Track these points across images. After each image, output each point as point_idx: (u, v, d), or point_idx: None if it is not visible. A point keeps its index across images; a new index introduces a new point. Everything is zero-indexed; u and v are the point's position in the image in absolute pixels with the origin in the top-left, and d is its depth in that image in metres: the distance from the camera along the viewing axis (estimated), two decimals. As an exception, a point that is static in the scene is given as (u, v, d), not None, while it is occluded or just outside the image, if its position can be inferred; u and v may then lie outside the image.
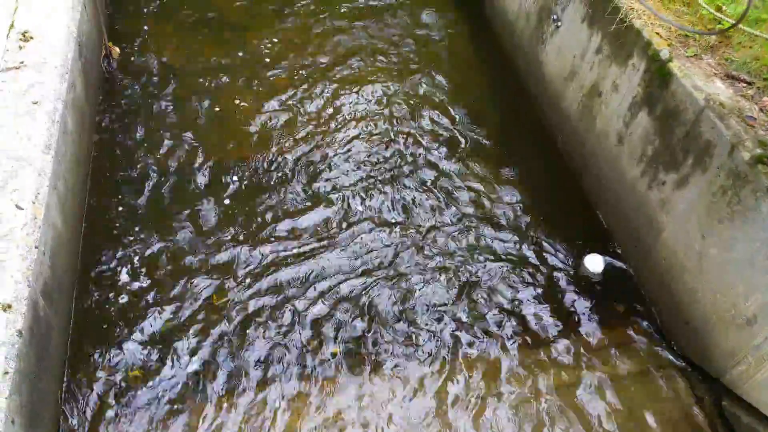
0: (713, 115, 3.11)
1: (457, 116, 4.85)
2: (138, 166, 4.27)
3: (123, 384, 3.19)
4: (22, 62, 3.70)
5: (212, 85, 4.92)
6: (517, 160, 4.55)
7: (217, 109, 4.73)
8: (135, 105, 4.70)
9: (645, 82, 3.61)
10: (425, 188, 4.29)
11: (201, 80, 4.94)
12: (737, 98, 3.17)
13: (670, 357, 3.51)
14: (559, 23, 4.52)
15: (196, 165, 4.32)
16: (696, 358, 3.44)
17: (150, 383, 3.22)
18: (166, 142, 4.45)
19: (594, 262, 3.84)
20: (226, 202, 4.11)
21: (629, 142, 3.80)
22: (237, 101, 4.81)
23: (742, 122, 3.04)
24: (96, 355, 3.29)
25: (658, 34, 3.58)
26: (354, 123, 4.72)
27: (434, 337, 3.51)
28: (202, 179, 4.23)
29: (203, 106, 4.75)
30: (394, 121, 4.77)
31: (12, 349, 2.50)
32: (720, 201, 3.08)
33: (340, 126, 4.69)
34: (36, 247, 2.90)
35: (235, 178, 4.26)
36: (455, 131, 4.73)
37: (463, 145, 4.63)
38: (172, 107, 4.71)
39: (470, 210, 4.18)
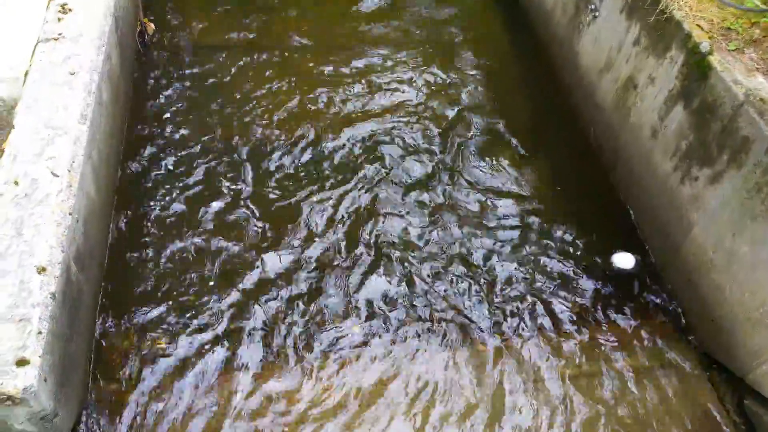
0: (753, 110, 3.05)
1: (488, 104, 4.82)
2: (171, 141, 4.32)
3: (150, 349, 3.26)
4: (60, 34, 3.76)
5: (244, 64, 4.93)
6: (547, 151, 4.52)
7: (250, 86, 4.76)
8: (167, 80, 4.75)
9: (682, 76, 3.55)
10: (452, 177, 4.28)
11: (233, 58, 4.96)
12: (779, 94, 3.11)
13: (694, 354, 3.49)
14: (597, 13, 4.46)
15: (229, 140, 4.36)
16: (720, 355, 3.40)
17: (178, 349, 3.28)
18: (198, 117, 4.49)
19: (624, 260, 3.82)
20: (261, 171, 4.16)
21: (663, 136, 3.75)
22: (269, 79, 4.82)
23: (782, 119, 2.98)
24: (124, 321, 3.36)
25: (699, 26, 3.51)
26: (384, 109, 4.71)
27: (456, 324, 3.51)
28: (234, 153, 4.27)
29: (236, 83, 4.78)
30: (424, 108, 4.75)
31: (45, 311, 2.57)
32: (754, 198, 3.03)
33: (369, 111, 4.69)
34: (70, 214, 2.96)
35: (274, 153, 4.30)
36: (486, 119, 4.70)
37: (493, 134, 4.60)
38: (204, 84, 4.75)
39: (496, 200, 4.16)
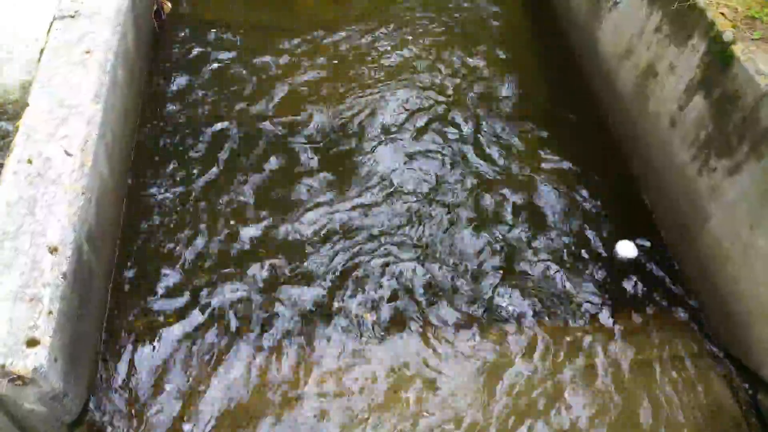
0: (775, 101, 2.98)
1: (506, 90, 4.76)
2: (187, 121, 4.31)
3: (161, 332, 3.27)
4: (76, 11, 3.76)
5: (263, 43, 4.90)
6: (565, 138, 4.45)
7: (269, 65, 4.74)
8: (183, 61, 4.74)
9: (704, 65, 3.47)
10: (467, 162, 4.24)
11: (251, 37, 4.94)
12: (802, 85, 3.03)
13: (708, 346, 3.45)
14: (619, 0, 4.37)
15: (247, 121, 4.34)
16: (734, 349, 3.36)
17: (188, 330, 3.29)
18: (213, 98, 4.47)
19: (626, 249, 3.78)
20: (282, 154, 4.17)
21: (682, 126, 3.68)
22: (289, 57, 4.80)
23: (805, 110, 2.91)
24: (136, 302, 3.38)
25: (722, 14, 3.43)
26: (399, 91, 4.67)
27: (468, 309, 3.50)
28: (252, 134, 4.26)
29: (254, 62, 4.75)
30: (441, 91, 4.70)
31: (56, 291, 2.58)
32: (774, 191, 2.98)
33: (384, 92, 4.65)
34: (83, 194, 2.97)
35: (295, 135, 4.29)
36: (503, 105, 4.65)
37: (509, 120, 4.54)
38: (220, 65, 4.73)
39: (511, 187, 4.12)
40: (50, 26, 3.64)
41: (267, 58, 4.81)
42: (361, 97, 4.60)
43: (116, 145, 3.64)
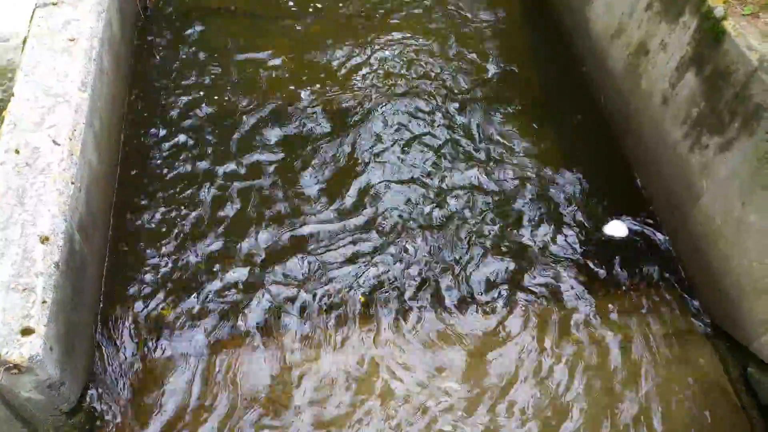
0: (766, 76, 2.97)
1: (498, 71, 4.74)
2: (174, 108, 4.27)
3: (156, 318, 3.27)
4: (60, -2, 3.69)
5: (250, 29, 4.85)
6: (557, 119, 4.45)
7: (255, 50, 4.69)
8: (170, 46, 4.68)
9: (695, 41, 3.46)
10: (459, 143, 4.23)
11: (238, 24, 4.88)
12: (793, 60, 3.03)
13: (699, 322, 3.48)
14: (608, -24, 4.34)
15: (235, 106, 4.31)
16: (725, 324, 3.39)
17: (183, 317, 3.29)
18: (201, 84, 4.43)
19: (616, 228, 3.80)
20: (259, 138, 4.13)
21: (674, 104, 3.68)
22: (276, 43, 4.75)
23: (796, 85, 2.91)
24: (130, 290, 3.37)
25: (712, -11, 3.41)
26: (389, 77, 4.64)
27: (457, 290, 3.52)
28: (239, 119, 4.24)
29: (241, 48, 4.71)
30: (432, 74, 4.67)
31: (49, 280, 2.57)
32: (765, 167, 2.98)
33: (373, 80, 4.62)
34: (72, 183, 2.95)
35: (284, 119, 4.27)
36: (495, 86, 4.63)
37: (501, 100, 4.53)
38: (208, 49, 4.68)
39: (504, 166, 4.11)
40: (33, 14, 3.58)
41: (257, 41, 4.76)
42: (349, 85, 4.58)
43: (105, 133, 3.61)
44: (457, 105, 4.47)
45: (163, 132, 4.13)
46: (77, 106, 3.21)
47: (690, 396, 3.19)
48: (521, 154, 4.20)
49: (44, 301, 2.50)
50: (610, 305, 3.51)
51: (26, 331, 2.39)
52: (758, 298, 3.10)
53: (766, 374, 3.13)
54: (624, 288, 3.60)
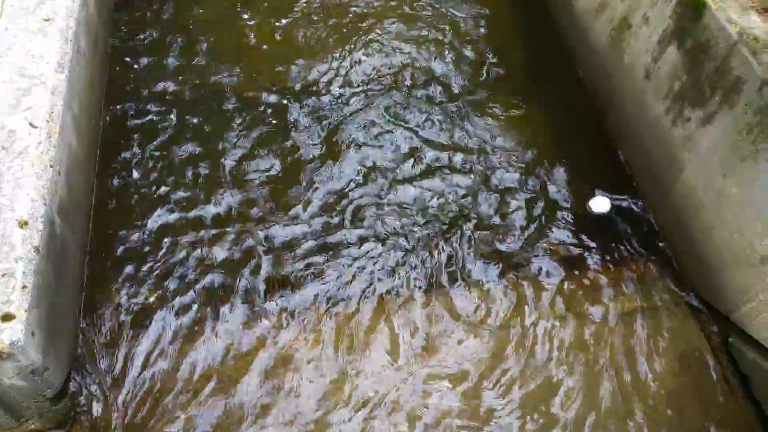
0: (746, 49, 2.98)
1: (481, 47, 4.71)
2: (154, 89, 4.21)
3: (140, 303, 3.26)
4: (33, -23, 3.61)
5: (232, 6, 4.79)
6: (540, 94, 4.43)
7: (237, 29, 4.64)
8: (149, 26, 4.60)
9: (677, 15, 3.46)
10: (439, 119, 4.22)
11: (218, 6, 4.82)
12: (773, 32, 3.03)
13: (681, 294, 3.52)
14: (590, -51, 4.31)
15: (217, 86, 4.26)
16: (707, 295, 3.44)
17: (167, 302, 3.28)
18: (182, 64, 4.38)
19: (600, 203, 3.82)
20: (240, 120, 4.09)
21: (656, 78, 3.68)
22: (260, 22, 4.70)
23: (775, 57, 2.91)
24: (113, 275, 3.35)
25: (693, -39, 3.40)
26: (369, 52, 4.60)
27: (435, 267, 3.53)
28: (221, 99, 4.20)
29: (222, 26, 4.65)
30: (415, 52, 4.63)
31: (29, 265, 2.54)
32: (745, 139, 3.00)
33: (355, 55, 4.58)
34: (51, 166, 2.91)
35: (261, 101, 4.22)
36: (478, 62, 4.60)
37: (484, 77, 4.51)
38: (188, 29, 4.61)
39: (485, 142, 4.11)
40: (6, -7, 3.51)
41: (238, 20, 4.69)
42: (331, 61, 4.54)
43: (84, 116, 3.55)
44: (435, 80, 4.44)
45: (144, 112, 4.07)
46: (54, 88, 3.15)
47: (673, 368, 3.23)
48: (503, 131, 4.19)
49: (24, 287, 2.47)
50: (592, 279, 3.54)
51: (6, 317, 2.37)
52: (739, 269, 3.14)
53: (746, 344, 3.18)
54: (606, 261, 3.62)
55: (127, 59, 4.39)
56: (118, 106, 4.10)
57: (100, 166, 3.76)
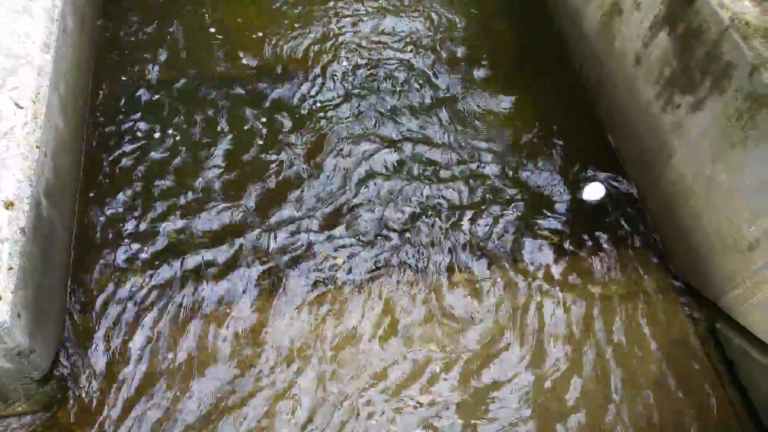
0: (737, 34, 2.97)
1: (471, 34, 4.68)
2: (143, 70, 4.17)
3: (127, 284, 3.24)
4: (17, -46, 3.54)
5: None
6: (531, 81, 4.43)
7: (228, 11, 4.59)
8: (138, 8, 4.55)
9: (668, 0, 3.45)
10: (429, 105, 4.20)
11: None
12: (765, 17, 3.03)
13: (669, 280, 3.54)
14: (583, -66, 4.28)
15: (207, 70, 4.23)
16: (695, 281, 3.46)
17: (156, 282, 3.26)
18: (171, 45, 4.33)
19: (593, 190, 3.83)
20: (230, 103, 4.06)
21: (647, 63, 3.67)
22: (251, 11, 4.65)
23: (766, 43, 2.91)
24: (101, 255, 3.33)
25: (686, -54, 3.38)
26: (364, 38, 4.58)
27: (430, 253, 3.53)
28: (204, 82, 4.16)
29: (214, 8, 4.61)
30: (405, 35, 4.61)
31: (15, 246, 2.52)
32: (735, 125, 3.00)
33: (345, 45, 4.55)
34: (37, 147, 2.88)
35: (240, 83, 4.19)
36: (468, 49, 4.58)
37: (475, 63, 4.49)
38: (178, 9, 4.56)
39: (477, 129, 4.10)
40: (-10, -29, 3.44)
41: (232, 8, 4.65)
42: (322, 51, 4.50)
43: (71, 96, 3.51)
44: (428, 66, 4.42)
45: (132, 93, 4.03)
46: (40, 68, 3.12)
47: (660, 353, 3.25)
48: (494, 117, 4.18)
49: (10, 268, 2.45)
50: (581, 265, 3.55)
51: (-8, 298, 2.35)
52: (727, 255, 3.16)
53: (733, 330, 3.20)
54: (595, 247, 3.63)
55: (116, 39, 4.33)
56: (106, 87, 4.05)
57: (87, 148, 3.72)
